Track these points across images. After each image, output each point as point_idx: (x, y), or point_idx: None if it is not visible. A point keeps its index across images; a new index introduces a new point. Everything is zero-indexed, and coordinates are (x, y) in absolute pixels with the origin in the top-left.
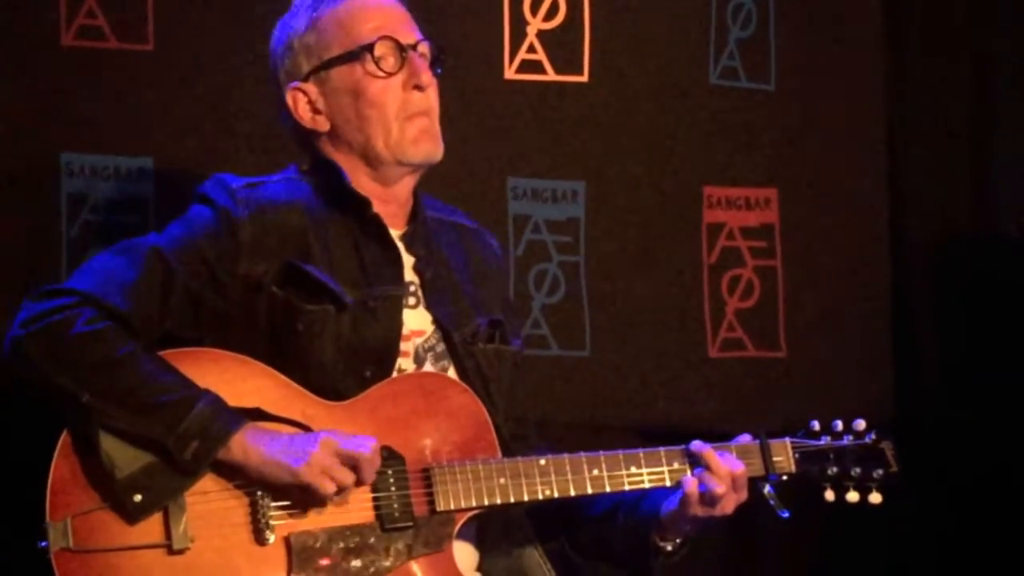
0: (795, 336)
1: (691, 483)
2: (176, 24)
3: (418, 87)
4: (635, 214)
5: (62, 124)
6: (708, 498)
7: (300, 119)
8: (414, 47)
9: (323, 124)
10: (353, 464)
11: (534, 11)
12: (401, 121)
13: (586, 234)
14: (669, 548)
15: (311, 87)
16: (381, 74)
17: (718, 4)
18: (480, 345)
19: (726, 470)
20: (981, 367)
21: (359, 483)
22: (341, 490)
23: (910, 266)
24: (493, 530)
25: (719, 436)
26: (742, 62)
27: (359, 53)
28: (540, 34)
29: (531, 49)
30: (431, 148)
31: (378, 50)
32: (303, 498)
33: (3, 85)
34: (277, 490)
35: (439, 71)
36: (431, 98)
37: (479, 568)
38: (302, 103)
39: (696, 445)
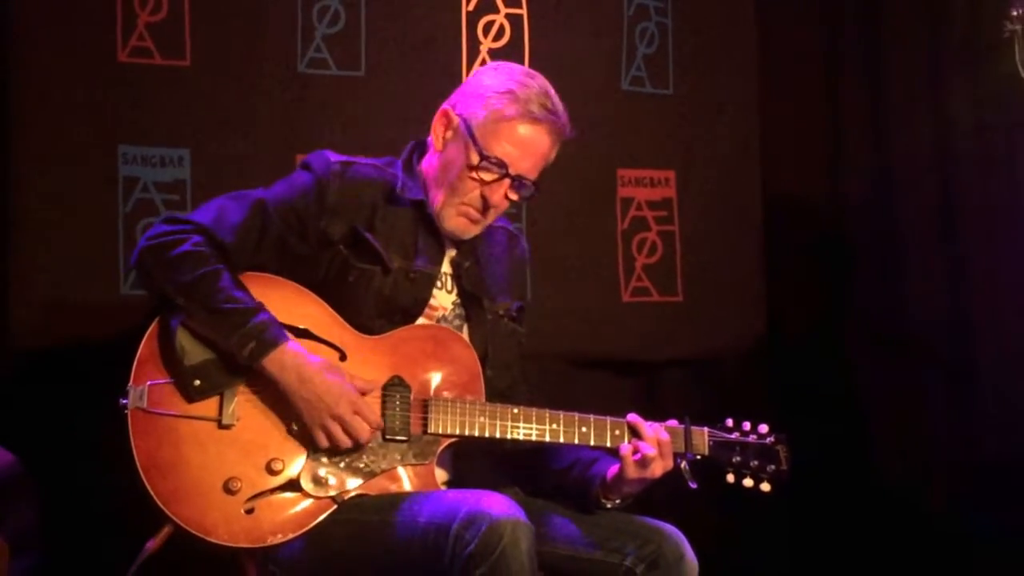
0: (689, 284)
1: (627, 449)
2: (208, 46)
3: (487, 203)
4: (565, 191)
5: (119, 122)
6: (641, 461)
7: (432, 127)
8: (516, 178)
9: (439, 145)
10: (350, 432)
11: (485, 34)
12: (458, 204)
13: (528, 207)
14: (609, 505)
15: (457, 121)
16: (476, 177)
17: (628, 27)
18: (505, 321)
19: (655, 437)
20: (832, 303)
21: (355, 441)
22: (332, 443)
23: (778, 230)
24: (467, 457)
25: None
26: (647, 72)
27: (481, 155)
28: (490, 51)
29: (483, 63)
30: (463, 228)
31: (489, 167)
32: None
33: (73, 93)
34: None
35: (525, 197)
36: (490, 214)
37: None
38: (442, 120)
39: (632, 417)
